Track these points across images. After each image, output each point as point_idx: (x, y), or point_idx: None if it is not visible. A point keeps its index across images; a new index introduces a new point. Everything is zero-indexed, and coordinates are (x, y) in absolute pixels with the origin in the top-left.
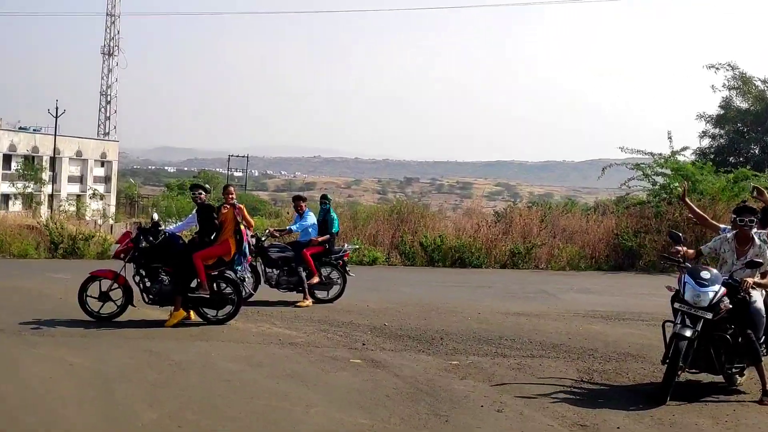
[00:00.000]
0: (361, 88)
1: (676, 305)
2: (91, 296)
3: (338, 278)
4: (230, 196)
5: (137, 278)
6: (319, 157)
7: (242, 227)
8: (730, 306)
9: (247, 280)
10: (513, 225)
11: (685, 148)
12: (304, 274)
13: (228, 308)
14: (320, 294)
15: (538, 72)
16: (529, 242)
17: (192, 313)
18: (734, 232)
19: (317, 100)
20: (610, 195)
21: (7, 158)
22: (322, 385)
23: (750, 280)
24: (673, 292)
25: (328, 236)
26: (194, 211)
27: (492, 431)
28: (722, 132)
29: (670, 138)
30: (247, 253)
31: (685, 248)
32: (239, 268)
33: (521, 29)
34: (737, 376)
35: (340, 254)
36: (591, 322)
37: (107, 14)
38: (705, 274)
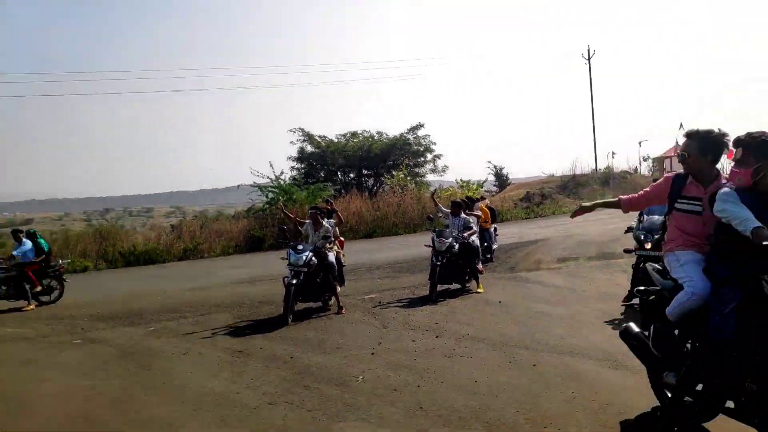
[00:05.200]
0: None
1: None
2: None
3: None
4: None
5: None
6: None
7: None
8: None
9: None
10: None
11: (282, 173)
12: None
13: None
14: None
15: None
16: None
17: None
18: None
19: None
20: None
21: None
22: (51, 364)
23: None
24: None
25: None
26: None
27: (180, 370)
28: (301, 165)
29: (272, 166)
30: None
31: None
32: None
33: None
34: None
35: None
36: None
37: None
38: (300, 247)
